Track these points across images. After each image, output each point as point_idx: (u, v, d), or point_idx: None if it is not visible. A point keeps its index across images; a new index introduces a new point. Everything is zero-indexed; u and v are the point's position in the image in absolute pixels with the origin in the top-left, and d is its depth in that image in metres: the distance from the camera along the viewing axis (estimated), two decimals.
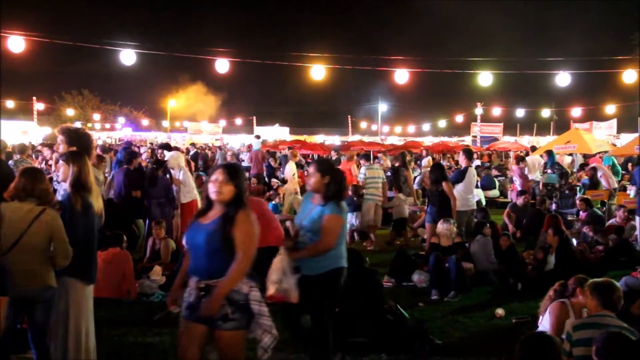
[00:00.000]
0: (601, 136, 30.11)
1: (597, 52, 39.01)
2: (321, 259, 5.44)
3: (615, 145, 25.27)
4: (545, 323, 5.90)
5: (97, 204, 5.29)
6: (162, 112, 58.96)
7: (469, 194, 11.03)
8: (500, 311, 7.86)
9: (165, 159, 11.75)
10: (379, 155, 25.00)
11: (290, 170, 16.89)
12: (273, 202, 14.14)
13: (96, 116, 53.23)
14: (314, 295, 5.39)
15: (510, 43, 60.50)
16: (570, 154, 21.83)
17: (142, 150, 25.35)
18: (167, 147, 11.68)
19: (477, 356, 6.46)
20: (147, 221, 10.69)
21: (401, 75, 22.76)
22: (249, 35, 65.52)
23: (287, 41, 61.48)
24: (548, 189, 16.00)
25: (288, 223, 12.34)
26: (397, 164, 15.84)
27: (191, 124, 50.93)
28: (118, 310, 7.84)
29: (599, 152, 21.18)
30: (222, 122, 53.09)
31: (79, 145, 6.04)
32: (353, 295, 6.82)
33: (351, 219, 12.70)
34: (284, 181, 18.14)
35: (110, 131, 50.83)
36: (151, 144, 30.45)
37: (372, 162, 16.32)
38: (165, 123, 57.49)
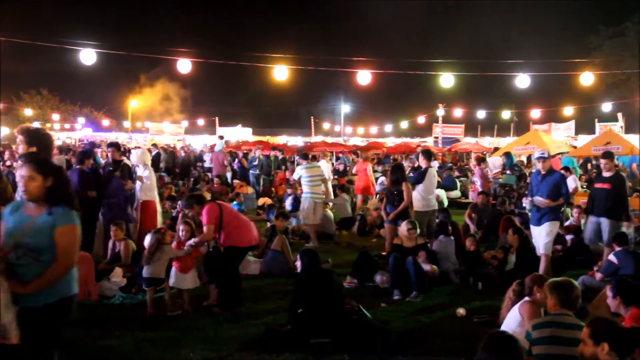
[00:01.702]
0: (560, 137, 30.60)
1: (555, 55, 39.66)
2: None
3: (573, 146, 25.68)
4: (510, 323, 5.95)
5: None
6: (123, 112, 58.30)
7: (429, 195, 11.11)
8: (461, 311, 7.93)
9: (131, 157, 11.65)
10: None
11: (327, 170, 17.35)
12: (235, 203, 14.07)
13: (55, 116, 52.29)
14: (41, 331, 4.26)
15: (472, 45, 61.16)
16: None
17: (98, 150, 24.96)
18: (116, 145, 11.54)
19: (439, 355, 6.50)
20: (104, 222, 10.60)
21: (364, 76, 22.83)
22: (212, 36, 65.06)
23: (250, 42, 61.31)
24: (506, 190, 16.21)
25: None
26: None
27: (153, 124, 50.40)
28: (78, 313, 7.73)
29: (558, 153, 21.52)
30: (184, 123, 52.64)
31: (38, 145, 5.95)
32: (313, 296, 6.84)
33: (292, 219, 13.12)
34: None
35: (70, 131, 49.99)
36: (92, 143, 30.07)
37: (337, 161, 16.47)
38: (127, 123, 56.83)
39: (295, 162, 26.87)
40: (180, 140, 45.75)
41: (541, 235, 9.67)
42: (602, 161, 10.61)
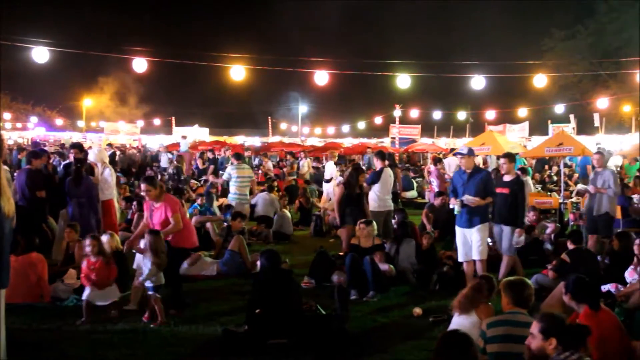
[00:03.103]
0: (514, 138, 31.02)
1: (510, 57, 40.16)
2: None
3: (526, 147, 26.10)
4: (463, 321, 5.98)
5: (8, 206, 5.09)
6: (78, 111, 57.35)
7: (385, 195, 11.18)
8: (418, 310, 8.00)
9: (89, 155, 11.46)
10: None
11: (332, 171, 17.46)
12: (198, 204, 13.97)
13: (7, 115, 51.18)
14: None
15: (428, 47, 61.73)
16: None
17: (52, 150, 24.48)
18: (79, 146, 11.33)
19: (396, 354, 6.56)
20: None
21: (321, 77, 22.91)
22: (168, 35, 64.35)
23: (206, 41, 60.75)
24: None
25: (208, 225, 12.22)
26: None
27: (108, 124, 49.57)
28: (31, 316, 7.61)
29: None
30: (140, 122, 51.98)
31: None
32: (270, 296, 6.82)
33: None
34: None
35: (22, 131, 48.99)
36: (62, 144, 29.37)
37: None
38: (81, 123, 55.91)
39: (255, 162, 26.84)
40: (136, 140, 45.14)
41: (474, 241, 8.91)
42: (501, 161, 9.78)
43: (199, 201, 13.85)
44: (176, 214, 7.91)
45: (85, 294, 7.51)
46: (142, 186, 8.08)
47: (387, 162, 11.71)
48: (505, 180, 9.46)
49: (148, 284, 7.42)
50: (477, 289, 5.93)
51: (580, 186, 11.79)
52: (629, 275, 8.40)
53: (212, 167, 21.81)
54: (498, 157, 10.11)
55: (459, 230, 9.13)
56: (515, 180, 9.51)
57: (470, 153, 9.23)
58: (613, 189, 10.72)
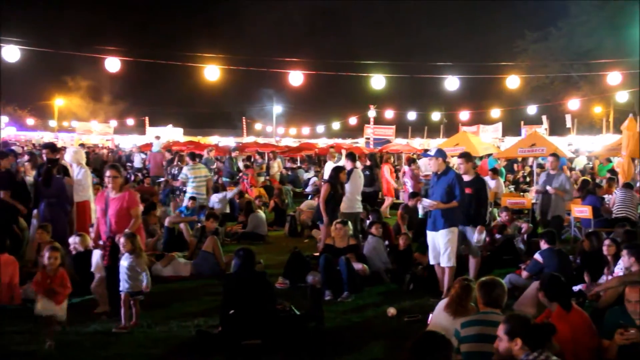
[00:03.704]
0: (488, 139, 31.28)
1: (483, 58, 40.58)
2: None
3: (499, 147, 26.32)
4: (441, 321, 5.99)
5: None
6: (49, 111, 56.71)
7: (355, 196, 11.22)
8: (392, 310, 8.02)
9: (65, 155, 11.34)
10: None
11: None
12: (185, 206, 13.92)
13: None
14: None
15: (403, 47, 62.05)
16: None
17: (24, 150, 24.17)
18: (50, 146, 11.18)
19: (371, 354, 6.57)
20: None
21: (295, 77, 22.88)
22: (141, 35, 63.92)
23: (180, 41, 60.47)
24: None
25: (182, 225, 12.15)
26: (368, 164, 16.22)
27: (80, 123, 49.08)
28: (1, 318, 7.52)
29: (486, 155, 22.01)
30: (113, 122, 51.54)
31: None
32: (244, 297, 6.79)
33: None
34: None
35: None
36: (33, 145, 29.01)
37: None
38: (53, 123, 55.33)
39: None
40: (110, 140, 44.79)
41: (440, 245, 8.68)
42: (458, 161, 9.52)
43: (189, 204, 13.74)
44: (137, 207, 7.80)
45: (38, 307, 6.73)
46: (108, 172, 7.78)
47: (357, 164, 11.76)
48: (466, 181, 9.20)
49: (126, 286, 7.28)
50: (466, 289, 5.89)
51: (537, 186, 11.74)
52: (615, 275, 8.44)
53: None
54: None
55: (428, 233, 8.99)
56: (476, 179, 9.45)
57: (438, 155, 8.97)
58: (570, 193, 10.74)
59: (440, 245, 8.68)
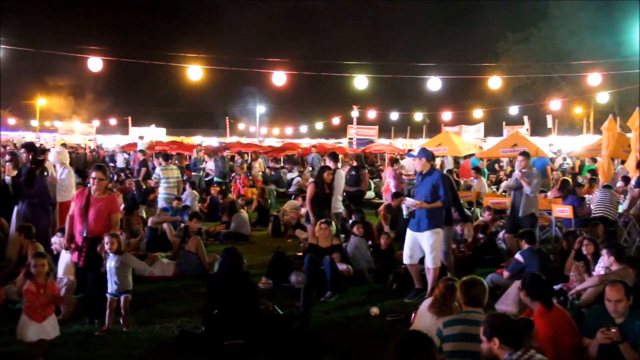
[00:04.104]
0: (470, 139, 31.43)
1: (466, 59, 40.78)
2: None
3: (482, 148, 26.47)
4: (425, 320, 6.03)
5: None
6: (31, 110, 56.24)
7: (337, 196, 11.25)
8: (375, 310, 8.05)
9: (49, 156, 11.29)
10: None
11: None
12: (171, 206, 13.92)
13: None
14: None
15: (386, 48, 62.26)
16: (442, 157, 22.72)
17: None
18: (30, 147, 11.11)
19: (354, 354, 6.60)
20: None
21: (278, 77, 22.90)
22: (124, 34, 63.56)
23: (164, 41, 60.15)
24: None
25: (165, 225, 12.11)
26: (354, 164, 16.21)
27: (62, 123, 48.70)
28: None
29: (469, 155, 22.11)
30: (96, 122, 51.19)
31: None
32: (227, 297, 6.79)
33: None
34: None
35: None
36: (14, 145, 28.67)
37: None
38: (34, 122, 54.88)
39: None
40: (92, 140, 44.51)
41: (424, 247, 8.64)
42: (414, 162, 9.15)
43: (174, 204, 13.72)
44: (117, 213, 7.75)
45: (29, 335, 6.25)
46: (94, 173, 7.57)
47: (339, 164, 11.78)
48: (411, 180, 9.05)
49: (114, 288, 7.20)
50: (450, 289, 5.92)
51: (505, 183, 11.55)
52: (595, 274, 8.51)
53: (144, 169, 21.05)
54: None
55: (408, 232, 8.95)
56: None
57: (421, 155, 8.91)
58: (531, 189, 10.56)
59: (424, 247, 8.64)
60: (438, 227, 8.65)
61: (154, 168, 21.76)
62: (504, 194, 12.68)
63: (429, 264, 8.64)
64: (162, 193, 13.82)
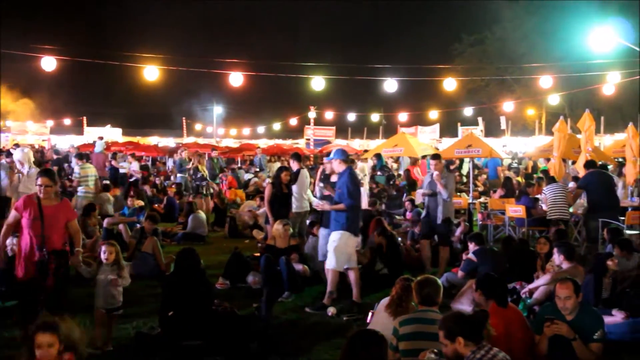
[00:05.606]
0: (425, 140, 31.74)
1: (421, 61, 41.09)
2: None
3: (437, 148, 26.77)
4: (383, 320, 6.09)
5: None
6: None
7: (302, 195, 11.31)
8: (332, 309, 8.12)
9: (14, 155, 11.22)
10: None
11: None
12: (127, 206, 13.79)
13: None
14: None
15: (342, 49, 62.44)
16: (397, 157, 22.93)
17: None
18: None
19: (311, 353, 6.65)
20: None
21: (236, 78, 22.86)
22: (78, 33, 62.48)
23: (119, 40, 59.34)
24: (378, 191, 16.71)
25: (121, 226, 12.02)
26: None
27: (15, 123, 47.70)
28: None
29: (424, 156, 22.32)
30: (50, 122, 50.24)
31: None
32: (183, 298, 6.77)
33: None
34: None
35: None
36: None
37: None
38: None
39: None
40: (46, 140, 43.67)
41: (328, 245, 8.58)
42: (325, 161, 9.21)
43: (129, 203, 13.61)
44: (75, 219, 7.05)
45: None
46: (40, 180, 6.66)
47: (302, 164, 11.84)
48: (333, 182, 9.07)
49: (102, 303, 6.73)
50: (406, 289, 5.96)
51: (423, 189, 11.23)
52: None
53: (55, 167, 20.51)
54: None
55: (320, 230, 9.08)
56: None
57: (336, 156, 8.77)
58: (447, 193, 10.42)
59: (328, 246, 8.58)
60: (341, 230, 8.42)
61: (110, 169, 21.47)
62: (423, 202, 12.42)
63: (327, 264, 8.55)
64: (80, 191, 13.79)
